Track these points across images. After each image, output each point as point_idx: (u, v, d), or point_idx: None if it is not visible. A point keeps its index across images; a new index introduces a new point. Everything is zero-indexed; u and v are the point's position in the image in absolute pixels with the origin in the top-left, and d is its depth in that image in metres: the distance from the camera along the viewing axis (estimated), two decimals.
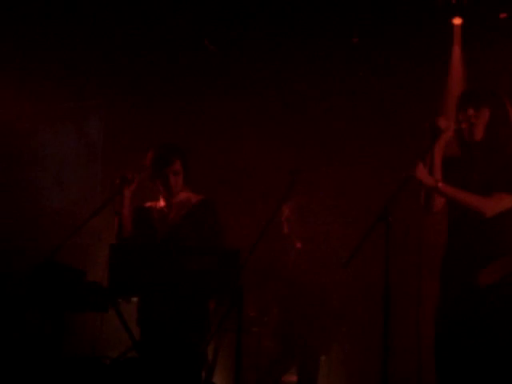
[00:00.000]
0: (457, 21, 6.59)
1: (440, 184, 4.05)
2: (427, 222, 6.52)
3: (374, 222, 3.80)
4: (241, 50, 7.39)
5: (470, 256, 4.05)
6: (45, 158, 8.23)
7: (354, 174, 7.29)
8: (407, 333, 6.73)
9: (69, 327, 4.63)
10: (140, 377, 4.44)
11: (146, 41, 7.37)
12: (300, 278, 6.26)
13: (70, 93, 7.98)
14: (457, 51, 6.72)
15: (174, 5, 6.96)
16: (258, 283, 6.46)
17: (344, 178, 7.28)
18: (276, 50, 7.30)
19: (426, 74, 6.96)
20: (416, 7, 6.52)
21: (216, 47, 7.33)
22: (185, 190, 5.12)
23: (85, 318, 5.09)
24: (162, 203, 5.13)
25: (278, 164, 7.02)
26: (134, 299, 5.02)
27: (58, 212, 7.93)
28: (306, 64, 7.37)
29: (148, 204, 5.19)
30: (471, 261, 4.02)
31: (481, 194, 4.07)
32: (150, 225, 5.05)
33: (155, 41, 7.38)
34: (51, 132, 8.24)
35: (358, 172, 7.24)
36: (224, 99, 7.63)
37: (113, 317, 4.66)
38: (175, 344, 4.73)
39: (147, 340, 4.84)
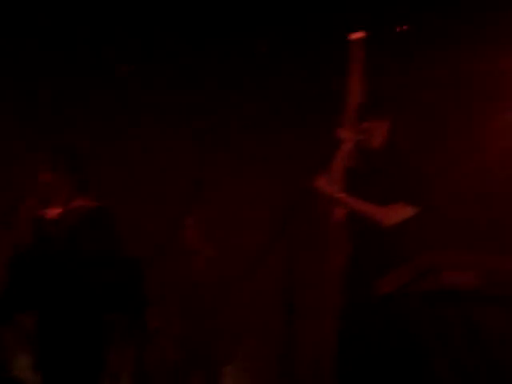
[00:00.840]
0: (358, 35, 6.75)
1: (340, 195, 4.09)
2: (328, 232, 6.60)
3: (275, 234, 3.81)
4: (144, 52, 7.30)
5: (369, 266, 4.10)
6: None
7: (257, 183, 7.32)
8: (311, 342, 6.82)
9: None
10: None
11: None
12: (205, 289, 6.24)
13: None
14: (357, 64, 6.86)
15: None
16: (163, 294, 6.41)
17: (248, 187, 7.30)
18: (187, 53, 7.25)
19: (326, 86, 7.08)
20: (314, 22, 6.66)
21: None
22: (80, 196, 4.79)
23: None
24: (54, 210, 4.80)
25: (185, 173, 6.99)
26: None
27: None
28: (213, 75, 7.37)
29: (40, 212, 4.83)
30: (371, 270, 4.07)
31: (380, 204, 4.12)
32: (42, 235, 4.75)
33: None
34: None
35: (262, 180, 7.28)
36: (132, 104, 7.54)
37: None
38: (73, 358, 4.59)
39: (45, 356, 4.69)
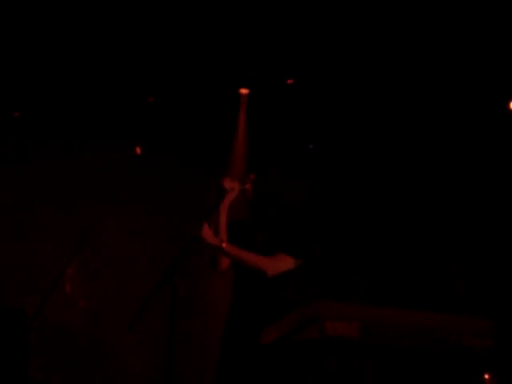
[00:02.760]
0: (244, 91, 6.98)
1: (224, 244, 4.11)
2: (213, 282, 6.61)
3: (160, 283, 3.79)
4: None
5: (253, 315, 4.13)
6: None
7: (143, 233, 7.28)
8: None
9: None
10: None
11: None
12: (87, 339, 6.14)
13: None
14: (242, 118, 7.05)
15: None
16: (46, 344, 6.26)
17: (132, 235, 7.24)
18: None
19: (213, 137, 7.17)
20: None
21: None
22: None
23: None
24: None
25: (69, 224, 6.88)
26: None
27: None
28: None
29: None
30: (254, 319, 4.09)
31: (264, 254, 4.16)
32: None
33: None
34: None
35: (147, 230, 7.23)
36: None
37: None
38: None
39: None
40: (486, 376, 4.33)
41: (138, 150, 7.40)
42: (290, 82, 6.71)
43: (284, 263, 4.16)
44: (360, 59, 6.33)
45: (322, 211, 6.43)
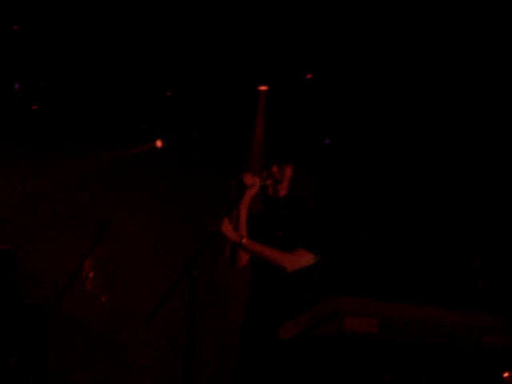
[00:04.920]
0: (262, 88, 7.01)
1: (244, 240, 4.11)
2: (233, 277, 6.62)
3: (179, 277, 3.80)
4: None
5: (272, 311, 4.13)
6: None
7: (162, 228, 7.29)
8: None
9: None
10: None
11: None
12: (105, 333, 6.17)
13: None
14: (261, 114, 7.08)
15: None
16: (64, 338, 6.29)
17: (152, 230, 7.27)
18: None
19: (234, 133, 7.19)
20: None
21: None
22: None
23: None
24: None
25: (89, 214, 6.91)
26: None
27: None
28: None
29: None
30: (273, 315, 4.10)
31: (283, 249, 4.17)
32: None
33: None
34: None
35: (167, 225, 7.25)
36: None
37: None
38: None
39: None
40: (506, 374, 4.32)
41: (159, 143, 7.41)
42: (309, 76, 6.72)
43: (303, 259, 4.16)
44: (372, 57, 6.35)
45: (339, 206, 6.42)
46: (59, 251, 6.99)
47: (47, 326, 4.31)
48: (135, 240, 7.18)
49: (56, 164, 7.34)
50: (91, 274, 6.21)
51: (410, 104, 6.57)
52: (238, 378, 4.18)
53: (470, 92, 6.29)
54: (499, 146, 6.33)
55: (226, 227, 4.06)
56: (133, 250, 7.08)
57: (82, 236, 5.22)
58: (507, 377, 4.29)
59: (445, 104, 6.43)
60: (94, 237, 4.67)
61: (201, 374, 6.20)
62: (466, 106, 6.35)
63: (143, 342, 6.35)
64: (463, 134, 6.44)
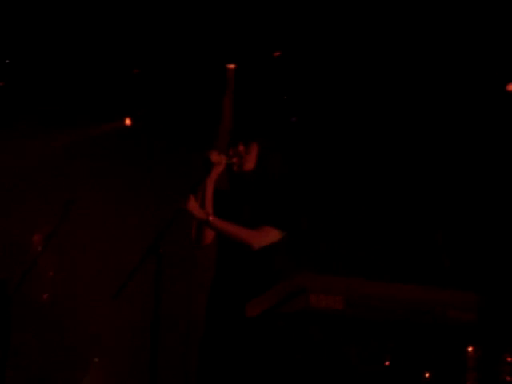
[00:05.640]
0: (230, 66, 7.02)
1: (211, 217, 4.11)
2: (199, 254, 6.62)
3: (145, 254, 3.79)
4: None
5: (238, 288, 4.14)
6: None
7: (129, 205, 7.27)
8: (174, 365, 6.80)
9: None
10: None
11: None
12: (54, 308, 6.18)
13: None
14: (229, 92, 7.08)
15: None
16: (21, 316, 6.28)
17: (118, 208, 7.24)
18: None
19: (200, 110, 7.17)
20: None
21: None
22: None
23: None
24: None
25: (51, 192, 6.87)
26: None
27: None
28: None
29: None
30: (240, 292, 4.10)
31: (250, 227, 4.17)
32: None
33: None
34: None
35: (133, 203, 7.23)
36: None
37: None
38: None
39: None
40: (470, 349, 4.38)
41: (128, 121, 7.37)
42: (276, 54, 6.71)
43: (269, 236, 4.17)
44: (338, 32, 6.33)
45: (305, 184, 6.43)
46: (25, 230, 6.95)
47: (11, 304, 4.29)
48: (102, 217, 7.14)
49: (20, 142, 7.27)
50: (40, 248, 6.15)
51: (377, 79, 6.58)
52: (205, 356, 4.19)
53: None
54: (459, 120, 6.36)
55: (193, 205, 4.05)
56: (99, 227, 7.05)
57: (48, 214, 5.19)
58: (471, 351, 4.35)
59: (411, 76, 6.44)
60: (60, 216, 4.65)
61: (167, 352, 6.20)
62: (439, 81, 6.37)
63: (108, 320, 6.36)
64: (426, 106, 6.46)
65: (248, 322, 3.95)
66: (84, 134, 7.47)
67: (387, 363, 4.57)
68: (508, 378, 4.57)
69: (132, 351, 6.90)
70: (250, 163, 4.27)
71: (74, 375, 6.42)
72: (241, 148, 4.25)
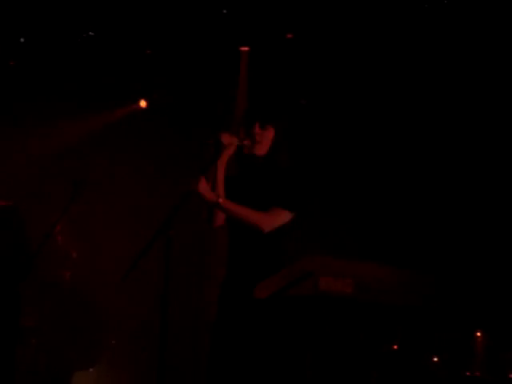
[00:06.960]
0: (244, 48, 7.02)
1: (221, 200, 4.11)
2: (210, 237, 6.64)
3: (155, 236, 3.80)
4: None
5: (248, 270, 4.15)
6: None
7: (139, 187, 7.28)
8: (184, 347, 6.83)
9: None
10: None
11: None
12: (76, 289, 6.22)
13: None
14: (243, 75, 7.06)
15: None
16: (36, 294, 6.31)
17: (129, 189, 7.25)
18: None
19: (213, 92, 7.16)
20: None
21: None
22: None
23: None
24: None
25: (61, 173, 6.89)
26: None
27: None
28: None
29: None
30: (249, 275, 4.11)
31: (260, 209, 4.17)
32: None
33: None
34: None
35: (141, 184, 7.24)
36: None
37: None
38: None
39: None
40: (478, 333, 4.38)
41: (143, 103, 7.35)
42: (289, 36, 6.70)
43: (279, 218, 4.16)
44: (353, 18, 6.32)
45: (315, 166, 6.42)
46: (36, 211, 6.97)
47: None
48: (112, 199, 7.16)
49: (34, 124, 7.28)
50: (58, 227, 6.18)
51: (388, 67, 6.56)
52: (216, 337, 4.21)
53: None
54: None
55: (203, 187, 4.05)
56: (110, 208, 7.06)
57: (59, 194, 5.21)
58: (479, 336, 4.35)
59: (414, 72, 6.43)
60: (70, 196, 4.67)
61: (176, 332, 6.23)
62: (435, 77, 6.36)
63: (119, 300, 6.39)
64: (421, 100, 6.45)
65: (257, 305, 3.97)
66: (100, 120, 7.47)
67: (395, 347, 4.58)
68: None
69: (142, 331, 6.94)
70: (264, 147, 4.25)
71: (88, 355, 6.45)
72: (257, 130, 4.23)
